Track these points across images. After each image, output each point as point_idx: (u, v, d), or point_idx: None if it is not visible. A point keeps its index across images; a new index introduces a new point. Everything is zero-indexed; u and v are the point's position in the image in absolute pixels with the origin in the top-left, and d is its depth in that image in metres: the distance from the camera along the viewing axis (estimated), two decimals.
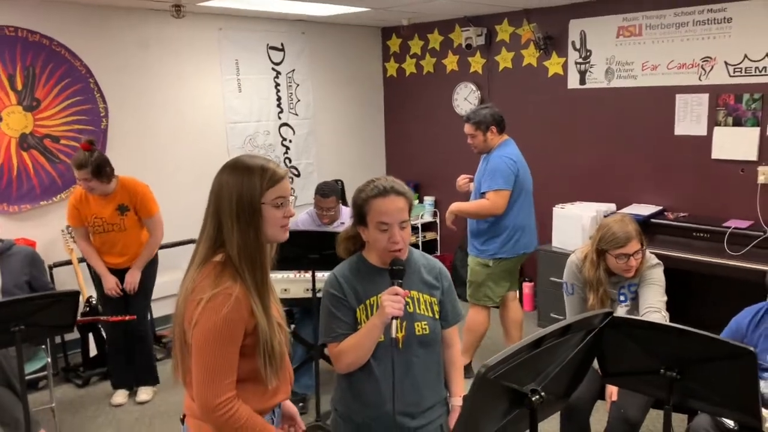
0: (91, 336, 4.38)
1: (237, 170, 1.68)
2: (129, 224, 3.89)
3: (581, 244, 4.43)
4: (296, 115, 6.00)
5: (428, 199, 6.45)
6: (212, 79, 5.41)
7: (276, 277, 1.69)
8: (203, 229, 1.70)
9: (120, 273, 3.95)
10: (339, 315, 2.02)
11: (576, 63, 5.14)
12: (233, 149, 5.55)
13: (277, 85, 5.83)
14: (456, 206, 4.09)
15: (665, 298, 2.75)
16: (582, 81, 5.13)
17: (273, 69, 5.78)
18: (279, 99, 5.86)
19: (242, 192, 1.64)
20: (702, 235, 4.34)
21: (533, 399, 1.45)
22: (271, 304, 1.71)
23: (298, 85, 5.97)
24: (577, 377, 1.70)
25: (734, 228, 4.17)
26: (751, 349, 1.84)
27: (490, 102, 5.66)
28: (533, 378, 1.48)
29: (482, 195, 3.97)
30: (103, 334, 4.35)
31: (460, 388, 2.21)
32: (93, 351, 4.38)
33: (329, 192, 4.06)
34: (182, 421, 1.80)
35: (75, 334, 4.28)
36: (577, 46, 5.10)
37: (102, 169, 3.67)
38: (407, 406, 2.03)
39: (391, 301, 1.89)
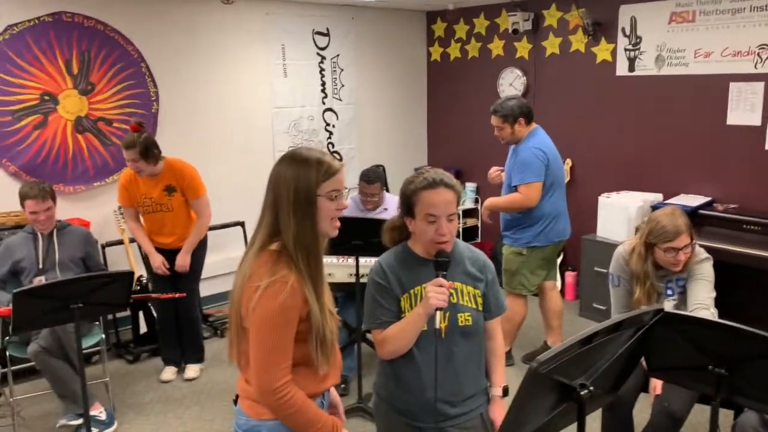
0: (141, 314, 4.54)
1: (294, 162, 1.72)
2: (176, 204, 4.00)
3: (627, 234, 4.39)
4: (340, 100, 6.04)
5: (470, 186, 6.44)
6: (259, 65, 5.48)
7: None
8: (261, 218, 1.75)
9: (169, 253, 4.06)
10: (383, 303, 2.06)
11: (625, 50, 5.03)
12: (278, 134, 5.63)
13: (322, 70, 5.87)
14: (490, 202, 4.12)
15: (714, 294, 2.71)
16: (631, 68, 5.03)
17: (318, 54, 5.82)
18: (323, 84, 5.90)
19: (299, 184, 1.69)
20: (752, 227, 4.23)
21: (582, 393, 1.47)
22: (323, 292, 1.76)
23: (342, 70, 6.00)
24: (625, 372, 1.70)
25: None
26: None
27: (531, 89, 5.61)
28: (582, 372, 1.50)
29: (514, 188, 3.97)
30: (153, 312, 4.50)
31: (502, 378, 2.23)
32: (143, 328, 4.54)
33: (374, 178, 4.10)
34: (235, 402, 1.88)
35: (125, 312, 4.44)
36: (627, 33, 5.00)
37: (149, 151, 3.77)
38: (448, 395, 2.07)
39: (436, 292, 1.92)
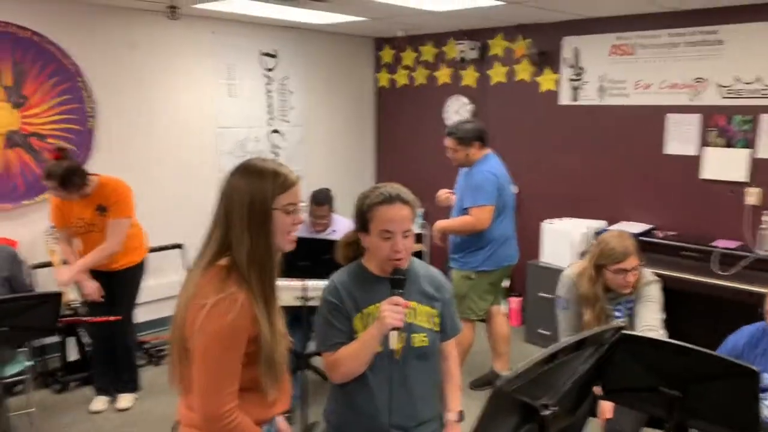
0: (70, 340, 4.27)
1: (249, 173, 1.63)
2: None
3: (571, 260, 4.44)
4: (287, 122, 5.96)
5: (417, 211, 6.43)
6: (203, 83, 5.35)
7: None
8: (210, 233, 1.64)
9: (104, 276, 3.84)
10: (335, 323, 1.98)
11: (569, 80, 5.17)
12: (222, 154, 5.48)
13: (269, 91, 5.78)
14: (441, 224, 4.10)
15: (662, 316, 2.75)
16: (574, 98, 5.16)
17: (265, 75, 5.74)
18: (270, 105, 5.81)
19: (254, 196, 1.59)
20: (690, 254, 4.35)
21: (544, 414, 1.43)
22: (275, 312, 1.67)
23: (291, 92, 5.93)
24: (584, 392, 1.67)
25: (722, 248, 4.20)
26: (755, 368, 1.83)
27: (477, 116, 5.68)
28: (544, 393, 1.45)
29: (465, 210, 3.96)
30: (84, 338, 4.25)
31: (457, 403, 2.17)
32: (73, 356, 4.27)
33: (323, 200, 4.05)
34: (173, 429, 1.74)
35: (53, 338, 4.18)
36: (571, 63, 5.14)
37: (69, 180, 3.52)
38: (402, 419, 1.99)
39: (391, 311, 1.86)
